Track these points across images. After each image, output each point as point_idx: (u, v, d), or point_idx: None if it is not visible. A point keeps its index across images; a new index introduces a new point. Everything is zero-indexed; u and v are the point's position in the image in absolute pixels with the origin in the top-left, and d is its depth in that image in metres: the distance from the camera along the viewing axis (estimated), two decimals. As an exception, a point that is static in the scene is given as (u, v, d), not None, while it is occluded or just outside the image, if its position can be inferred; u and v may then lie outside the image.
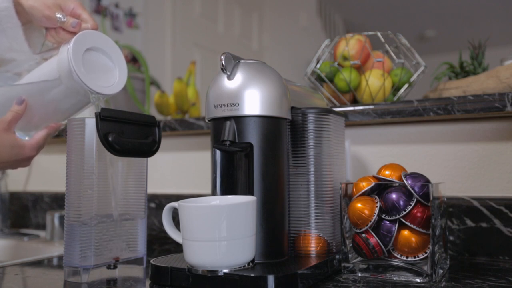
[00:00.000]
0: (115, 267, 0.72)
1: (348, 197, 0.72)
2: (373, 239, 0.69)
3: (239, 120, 0.69)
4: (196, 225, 0.62)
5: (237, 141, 0.69)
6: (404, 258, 0.68)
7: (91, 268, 0.69)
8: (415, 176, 0.69)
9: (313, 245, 0.72)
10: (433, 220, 0.66)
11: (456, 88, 0.99)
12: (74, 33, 0.76)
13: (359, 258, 0.72)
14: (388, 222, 0.69)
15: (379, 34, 0.99)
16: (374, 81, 0.98)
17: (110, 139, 0.67)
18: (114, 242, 0.73)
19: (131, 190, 0.77)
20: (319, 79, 1.05)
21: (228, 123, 0.69)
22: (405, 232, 0.68)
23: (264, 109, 0.68)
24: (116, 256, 0.73)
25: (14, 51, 0.82)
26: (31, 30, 0.85)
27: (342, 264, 0.71)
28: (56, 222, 1.19)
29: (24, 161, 0.82)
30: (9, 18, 0.80)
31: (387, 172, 0.72)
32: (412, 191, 0.67)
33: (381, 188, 0.71)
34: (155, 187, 1.22)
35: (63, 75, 0.73)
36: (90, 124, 0.69)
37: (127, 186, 0.76)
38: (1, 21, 0.80)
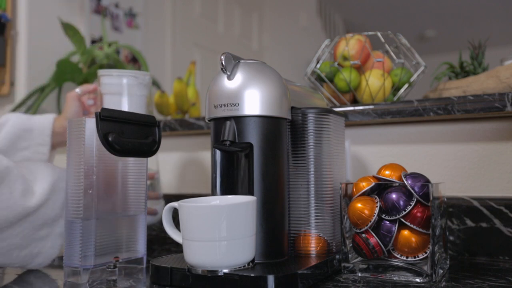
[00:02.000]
0: (115, 267, 0.72)
1: (348, 197, 0.72)
2: (373, 239, 0.69)
3: (239, 120, 0.69)
4: (196, 225, 0.62)
5: (237, 141, 0.69)
6: (404, 258, 0.68)
7: (91, 268, 0.69)
8: (415, 176, 0.69)
9: (313, 245, 0.72)
10: (433, 220, 0.66)
11: (456, 88, 0.99)
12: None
13: (359, 258, 0.72)
14: (388, 222, 0.69)
15: (379, 34, 0.99)
16: (374, 81, 0.98)
17: (110, 139, 0.67)
18: (114, 242, 0.73)
19: (131, 190, 0.77)
20: (319, 79, 1.05)
21: (228, 123, 0.69)
22: (405, 232, 0.68)
23: (264, 109, 0.68)
24: (116, 256, 0.73)
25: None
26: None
27: (342, 264, 0.71)
28: (56, 222, 1.19)
29: None
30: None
31: (387, 172, 0.72)
32: (412, 191, 0.67)
33: (381, 188, 0.71)
34: (155, 187, 1.22)
35: None
36: (90, 124, 0.69)
37: (127, 186, 0.77)
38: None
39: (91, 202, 0.70)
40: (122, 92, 0.95)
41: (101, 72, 0.96)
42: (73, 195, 0.70)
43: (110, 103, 0.95)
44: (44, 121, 0.96)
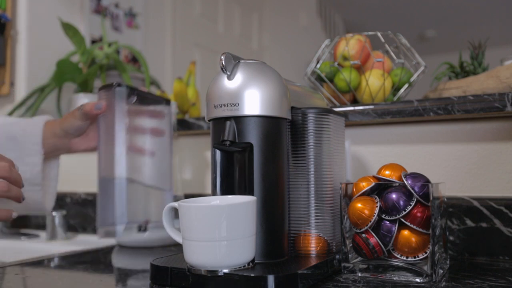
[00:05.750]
0: (145, 229, 0.74)
1: (348, 197, 0.72)
2: (373, 239, 0.69)
3: (239, 120, 0.69)
4: (196, 225, 0.62)
5: (237, 141, 0.69)
6: (404, 258, 0.68)
7: (126, 225, 0.71)
8: (415, 176, 0.69)
9: (313, 245, 0.72)
10: (433, 220, 0.66)
11: (456, 88, 0.99)
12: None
13: (359, 258, 0.72)
14: (388, 222, 0.69)
15: (379, 34, 0.99)
16: (374, 81, 0.98)
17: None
18: (144, 207, 0.76)
19: (157, 163, 0.80)
20: (319, 79, 1.05)
21: (228, 123, 0.69)
22: (405, 232, 0.68)
23: (264, 109, 0.68)
24: (146, 219, 0.74)
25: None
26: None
27: (342, 264, 0.71)
28: (57, 222, 1.19)
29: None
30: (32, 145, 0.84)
31: (387, 172, 0.72)
32: (412, 191, 0.67)
33: (381, 188, 0.71)
34: (155, 187, 1.22)
35: None
36: (121, 92, 0.80)
37: (154, 161, 0.80)
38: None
39: (122, 163, 0.75)
40: None
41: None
42: (106, 154, 0.76)
43: None
44: (32, 127, 0.84)
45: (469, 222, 0.86)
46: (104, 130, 0.85)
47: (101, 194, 0.81)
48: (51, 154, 0.88)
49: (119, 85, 0.84)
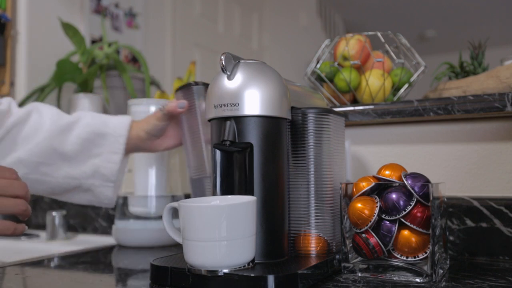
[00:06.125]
0: None
1: (348, 197, 0.72)
2: (373, 239, 0.69)
3: (239, 120, 0.69)
4: (196, 225, 0.62)
5: (237, 141, 0.69)
6: (404, 258, 0.68)
7: None
8: (415, 176, 0.69)
9: (313, 245, 0.72)
10: (433, 220, 0.66)
11: (456, 88, 0.99)
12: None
13: (359, 258, 0.72)
14: (388, 222, 0.69)
15: (379, 34, 0.99)
16: (374, 81, 0.98)
17: None
18: None
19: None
20: (319, 79, 1.05)
21: (228, 123, 0.69)
22: (405, 232, 0.68)
23: (264, 109, 0.68)
24: None
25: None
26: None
27: (342, 264, 0.71)
28: (57, 222, 1.19)
29: None
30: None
31: (387, 172, 0.72)
32: (412, 191, 0.67)
33: (381, 188, 0.71)
34: (155, 187, 1.22)
35: None
36: (199, 90, 0.86)
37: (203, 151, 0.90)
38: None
39: (204, 161, 0.86)
40: None
41: (131, 102, 1.03)
42: (195, 155, 0.88)
43: None
44: (120, 127, 0.89)
45: (469, 222, 0.86)
46: (188, 129, 0.90)
47: (195, 194, 0.88)
48: (130, 152, 0.92)
49: (196, 83, 0.88)
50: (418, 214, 0.67)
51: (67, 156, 0.87)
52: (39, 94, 1.44)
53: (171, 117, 0.89)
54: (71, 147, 0.87)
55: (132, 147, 0.90)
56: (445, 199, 0.76)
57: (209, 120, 0.73)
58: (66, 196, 0.91)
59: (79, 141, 0.87)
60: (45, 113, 0.89)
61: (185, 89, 0.89)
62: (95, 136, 0.88)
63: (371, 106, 0.94)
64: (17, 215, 0.66)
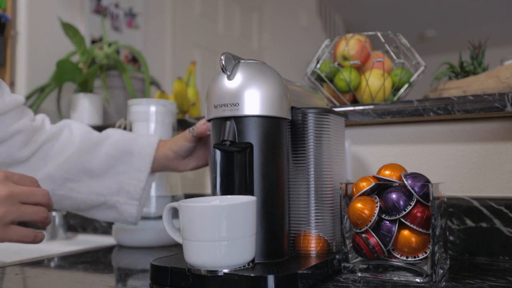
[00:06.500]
0: None
1: (348, 197, 0.72)
2: (373, 239, 0.69)
3: (239, 120, 0.69)
4: (196, 225, 0.62)
5: (237, 141, 0.69)
6: (404, 258, 0.68)
7: None
8: (415, 176, 0.69)
9: (313, 245, 0.72)
10: (433, 220, 0.66)
11: (456, 88, 0.99)
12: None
13: (359, 258, 0.72)
14: (388, 222, 0.69)
15: (379, 34, 0.99)
16: (374, 81, 0.98)
17: None
18: None
19: None
20: (319, 79, 1.05)
21: (228, 123, 0.69)
22: (405, 232, 0.68)
23: (264, 109, 0.68)
24: None
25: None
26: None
27: (342, 264, 0.71)
28: (57, 222, 1.19)
29: None
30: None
31: (387, 172, 0.72)
32: (412, 191, 0.67)
33: (381, 188, 0.71)
34: (155, 187, 1.22)
35: None
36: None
37: None
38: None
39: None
40: (151, 119, 1.02)
41: (131, 102, 1.03)
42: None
43: (139, 130, 1.02)
44: (147, 145, 0.89)
45: (469, 222, 0.86)
46: None
47: None
48: (155, 171, 0.92)
49: None
50: (418, 214, 0.67)
51: (94, 173, 0.88)
52: (39, 94, 1.44)
53: (199, 138, 0.89)
54: (98, 164, 0.87)
55: (159, 166, 0.90)
56: (445, 199, 0.76)
57: (209, 120, 0.73)
58: (91, 212, 0.91)
59: (107, 159, 0.87)
60: (75, 130, 0.90)
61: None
62: (122, 153, 0.88)
63: (371, 106, 0.94)
64: (37, 223, 0.66)
